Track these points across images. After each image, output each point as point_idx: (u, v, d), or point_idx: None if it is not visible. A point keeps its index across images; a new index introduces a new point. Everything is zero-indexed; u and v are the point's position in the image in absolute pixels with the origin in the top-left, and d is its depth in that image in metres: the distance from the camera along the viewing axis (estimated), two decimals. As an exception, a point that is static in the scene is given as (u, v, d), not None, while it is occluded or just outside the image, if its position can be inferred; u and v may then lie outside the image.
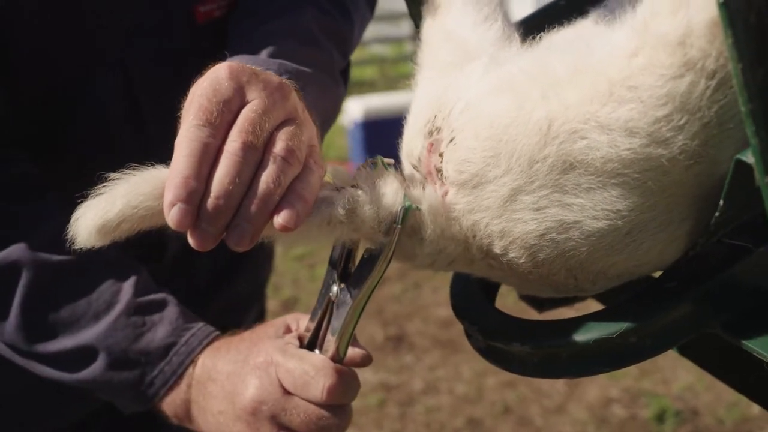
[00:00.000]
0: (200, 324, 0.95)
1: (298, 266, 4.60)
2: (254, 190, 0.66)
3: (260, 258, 1.49)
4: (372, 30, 9.42)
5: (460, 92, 0.73)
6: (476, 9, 0.81)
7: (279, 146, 0.68)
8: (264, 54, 0.99)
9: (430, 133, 0.74)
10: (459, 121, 0.71)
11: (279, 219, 0.66)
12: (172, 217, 0.64)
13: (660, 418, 3.05)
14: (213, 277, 1.38)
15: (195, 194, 0.64)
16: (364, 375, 3.56)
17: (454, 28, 0.81)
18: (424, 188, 0.74)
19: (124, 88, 1.08)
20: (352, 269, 0.79)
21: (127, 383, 0.94)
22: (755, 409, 3.03)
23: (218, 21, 1.14)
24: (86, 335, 0.94)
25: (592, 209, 0.65)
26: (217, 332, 0.95)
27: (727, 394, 3.12)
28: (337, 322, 0.79)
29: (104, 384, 0.95)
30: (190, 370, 0.92)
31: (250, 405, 0.84)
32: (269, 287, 4.20)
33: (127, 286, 0.95)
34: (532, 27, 0.82)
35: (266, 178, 0.66)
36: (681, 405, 3.11)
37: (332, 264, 0.80)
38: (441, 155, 0.73)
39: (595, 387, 3.23)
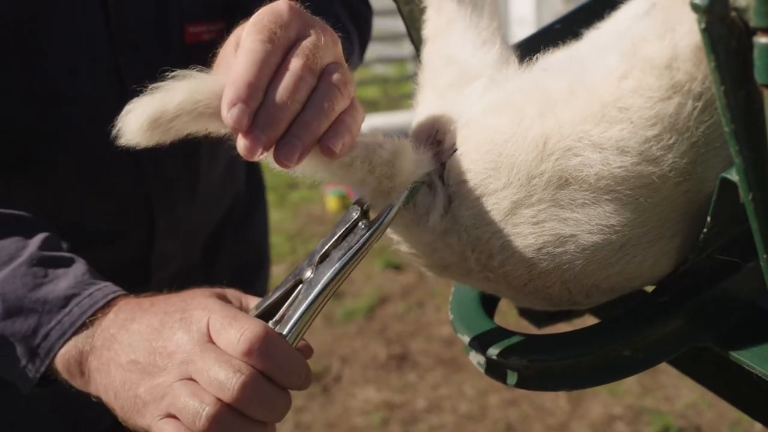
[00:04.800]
0: (108, 282, 0.90)
1: (301, 285, 4.61)
2: (309, 110, 0.68)
3: (258, 290, 1.50)
4: (374, 50, 9.46)
5: (461, 110, 0.76)
6: (475, 33, 0.84)
7: (334, 77, 0.69)
8: None
9: (432, 146, 0.77)
10: (460, 135, 0.74)
11: (329, 144, 0.68)
12: (231, 115, 0.64)
13: (663, 435, 3.05)
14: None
15: (254, 99, 0.65)
16: (367, 393, 3.52)
17: (455, 51, 0.83)
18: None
19: (118, 100, 1.10)
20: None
21: (21, 335, 0.86)
22: (758, 426, 3.03)
23: (206, 45, 1.17)
24: None
25: (587, 224, 0.68)
26: (126, 291, 0.89)
27: (731, 411, 3.12)
28: (302, 301, 0.73)
29: None
30: (97, 322, 0.85)
31: (170, 352, 0.76)
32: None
33: (35, 241, 0.92)
34: (529, 49, 0.85)
35: (321, 101, 0.68)
36: (684, 422, 3.11)
37: (313, 253, 0.77)
38: (443, 165, 0.76)
39: (598, 404, 3.23)
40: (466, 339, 0.84)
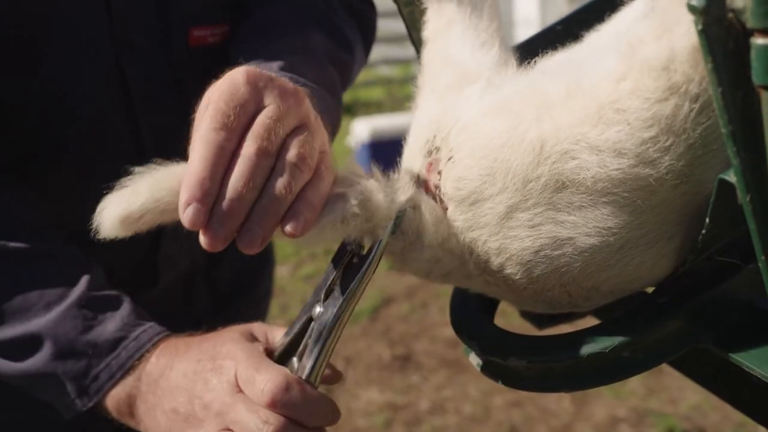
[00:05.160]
0: (153, 323, 0.94)
1: (306, 286, 4.62)
2: (266, 196, 0.69)
3: (261, 289, 1.51)
4: (379, 51, 9.46)
5: (459, 114, 0.76)
6: (475, 35, 0.83)
7: (291, 153, 0.70)
8: (275, 66, 1.02)
9: (430, 153, 0.77)
10: (457, 140, 0.74)
11: (287, 227, 0.69)
12: (186, 216, 0.66)
13: (667, 437, 3.04)
14: (214, 306, 1.39)
15: (209, 195, 0.67)
16: (371, 395, 3.51)
17: (454, 53, 0.83)
18: (428, 195, 0.77)
19: (124, 102, 1.11)
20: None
21: (72, 375, 0.92)
22: (763, 429, 3.02)
23: (211, 48, 1.17)
24: (35, 324, 0.93)
25: (585, 226, 0.67)
26: (169, 332, 0.94)
27: (735, 413, 3.10)
28: (316, 341, 0.77)
29: (48, 376, 0.93)
30: (141, 365, 0.90)
31: (206, 402, 0.81)
32: (277, 307, 4.17)
33: (83, 281, 0.95)
34: (529, 51, 0.85)
35: (278, 184, 0.69)
36: (688, 424, 3.10)
37: (319, 289, 0.79)
38: (440, 173, 0.75)
39: (602, 406, 3.22)
40: (467, 340, 0.84)
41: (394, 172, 0.81)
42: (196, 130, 0.71)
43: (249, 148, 0.69)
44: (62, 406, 0.96)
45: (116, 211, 0.70)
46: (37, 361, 0.93)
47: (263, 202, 0.69)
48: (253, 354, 0.81)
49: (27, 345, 0.93)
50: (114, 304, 0.95)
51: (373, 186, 0.74)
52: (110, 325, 0.93)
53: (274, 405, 0.75)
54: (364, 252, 0.75)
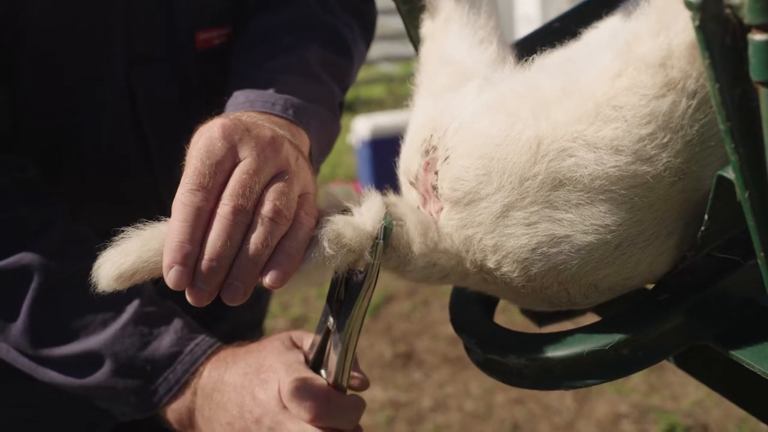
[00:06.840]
0: (203, 335, 0.99)
1: (307, 284, 4.60)
2: (244, 252, 0.71)
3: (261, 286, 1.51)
4: (380, 49, 9.43)
5: (456, 113, 0.75)
6: (472, 32, 0.83)
7: (267, 207, 0.72)
8: (271, 90, 1.03)
9: (427, 152, 0.77)
10: (453, 140, 0.74)
11: (266, 279, 0.72)
12: (170, 278, 0.70)
13: (670, 434, 3.04)
14: (213, 306, 1.39)
15: (190, 257, 0.70)
16: (373, 392, 3.50)
17: (451, 51, 0.83)
18: (416, 205, 0.77)
19: (130, 109, 1.11)
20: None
21: (131, 390, 0.96)
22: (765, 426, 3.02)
23: (217, 50, 1.17)
24: (93, 341, 0.96)
25: (582, 224, 0.67)
26: (220, 343, 0.98)
27: (737, 409, 3.09)
28: (336, 351, 0.82)
29: (108, 390, 0.97)
30: (195, 379, 0.95)
31: (257, 417, 0.87)
32: (278, 306, 4.16)
33: (135, 296, 0.98)
34: (528, 48, 0.84)
35: (255, 240, 0.71)
36: (691, 421, 3.10)
37: (329, 298, 0.83)
38: (436, 173, 0.75)
39: (605, 403, 3.22)
40: (466, 338, 0.84)
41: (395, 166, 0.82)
42: (177, 191, 0.73)
43: (225, 207, 0.71)
44: (120, 414, 1.01)
45: (110, 270, 0.74)
46: (98, 377, 0.97)
47: (242, 258, 0.71)
48: (293, 366, 0.87)
49: (87, 362, 0.97)
50: (166, 318, 0.99)
51: (343, 221, 0.74)
52: (165, 339, 0.97)
53: (314, 421, 0.83)
54: (361, 269, 0.77)
